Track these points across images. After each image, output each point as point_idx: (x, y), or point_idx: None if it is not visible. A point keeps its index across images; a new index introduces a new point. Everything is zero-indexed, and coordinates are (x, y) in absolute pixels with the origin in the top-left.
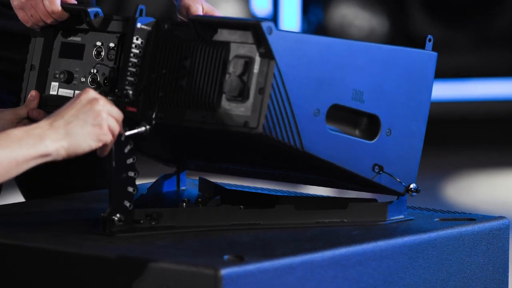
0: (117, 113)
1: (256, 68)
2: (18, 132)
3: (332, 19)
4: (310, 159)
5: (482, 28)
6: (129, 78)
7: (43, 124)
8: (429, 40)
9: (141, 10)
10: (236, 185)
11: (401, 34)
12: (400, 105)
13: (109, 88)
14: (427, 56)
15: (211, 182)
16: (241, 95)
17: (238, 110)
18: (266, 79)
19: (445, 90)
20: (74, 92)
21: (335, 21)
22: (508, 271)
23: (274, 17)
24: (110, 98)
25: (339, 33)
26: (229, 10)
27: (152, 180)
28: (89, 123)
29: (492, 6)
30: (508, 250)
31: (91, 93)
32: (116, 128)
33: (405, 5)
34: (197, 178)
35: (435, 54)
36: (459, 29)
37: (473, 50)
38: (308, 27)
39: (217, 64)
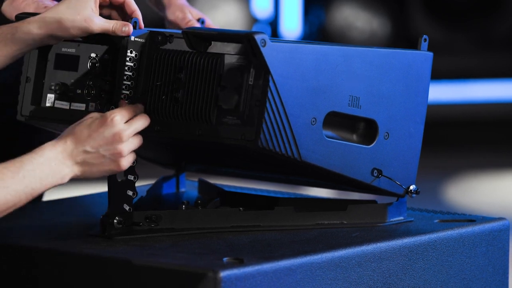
0: (138, 143)
1: (251, 81)
2: (30, 166)
3: (333, 20)
4: (308, 167)
5: (483, 30)
6: (124, 92)
7: (61, 150)
8: (425, 40)
9: (135, 23)
10: (235, 187)
11: (402, 36)
12: (397, 107)
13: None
14: (423, 57)
15: (211, 184)
16: (237, 108)
17: (234, 123)
18: (261, 91)
19: (446, 92)
20: (70, 104)
21: (336, 23)
22: (508, 273)
23: (275, 19)
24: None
25: (340, 35)
26: (229, 11)
27: (151, 182)
28: (107, 159)
29: (494, 8)
30: (508, 251)
31: (117, 126)
32: (132, 160)
33: (407, 7)
34: (197, 180)
35: (430, 54)
36: (460, 31)
37: (474, 52)
38: (309, 29)
39: (211, 76)
